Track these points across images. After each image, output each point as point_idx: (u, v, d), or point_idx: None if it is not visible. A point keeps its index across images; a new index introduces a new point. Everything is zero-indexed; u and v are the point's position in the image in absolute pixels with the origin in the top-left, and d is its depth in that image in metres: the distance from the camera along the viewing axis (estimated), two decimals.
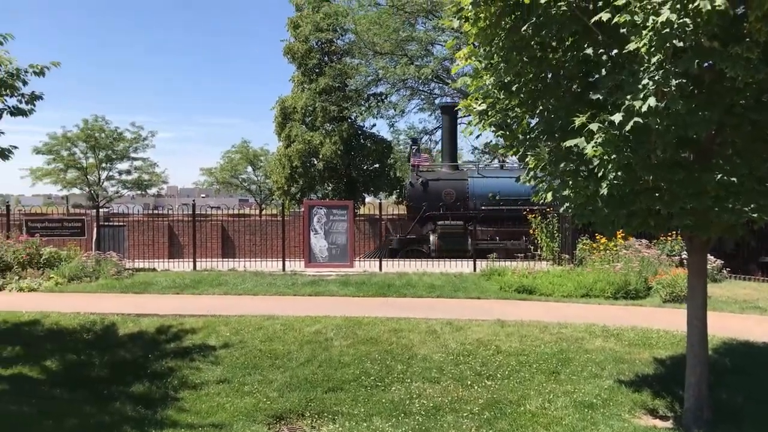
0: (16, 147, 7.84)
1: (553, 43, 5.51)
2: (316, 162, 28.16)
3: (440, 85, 30.69)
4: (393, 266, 14.60)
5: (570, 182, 5.68)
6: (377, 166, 29.93)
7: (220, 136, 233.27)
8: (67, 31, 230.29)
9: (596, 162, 5.07)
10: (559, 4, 4.94)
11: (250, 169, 49.42)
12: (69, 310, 9.96)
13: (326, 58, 29.32)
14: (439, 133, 31.71)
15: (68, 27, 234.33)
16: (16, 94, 7.91)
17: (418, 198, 18.71)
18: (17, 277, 12.50)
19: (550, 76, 5.73)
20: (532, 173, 6.33)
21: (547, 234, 15.32)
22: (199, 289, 11.97)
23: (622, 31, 4.63)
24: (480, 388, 7.17)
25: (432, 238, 18.18)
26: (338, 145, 27.16)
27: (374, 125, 30.47)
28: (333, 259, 14.51)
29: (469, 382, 7.29)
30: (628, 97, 4.60)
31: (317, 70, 28.73)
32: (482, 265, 13.99)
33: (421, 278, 12.84)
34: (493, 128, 6.37)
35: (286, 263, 14.76)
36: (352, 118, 29.23)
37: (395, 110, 30.54)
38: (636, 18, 4.34)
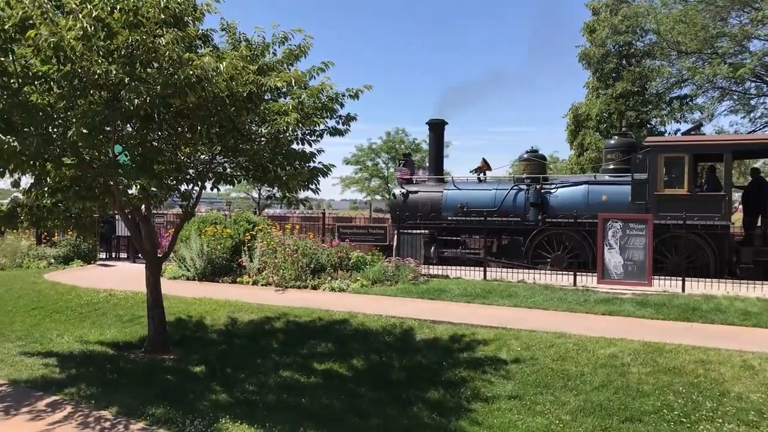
0: (334, 165, 8.71)
1: None
2: None
3: (758, 83, 27.26)
4: (699, 287, 13.28)
5: None
6: None
7: (510, 143, 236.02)
8: (375, 54, 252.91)
9: None
10: None
11: None
12: (372, 312, 10.79)
13: (624, 62, 27.88)
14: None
15: (378, 50, 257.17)
16: (334, 116, 8.77)
17: (398, 208, 19.23)
18: (329, 278, 13.90)
19: None
20: None
21: None
22: (488, 300, 12.11)
23: None
24: None
25: (394, 245, 18.65)
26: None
27: (677, 131, 28.09)
28: (628, 276, 13.64)
29: None
30: None
31: (614, 75, 27.45)
32: None
33: (733, 303, 11.44)
34: None
35: (577, 278, 14.25)
36: (652, 123, 27.37)
37: (702, 113, 27.91)
38: None
